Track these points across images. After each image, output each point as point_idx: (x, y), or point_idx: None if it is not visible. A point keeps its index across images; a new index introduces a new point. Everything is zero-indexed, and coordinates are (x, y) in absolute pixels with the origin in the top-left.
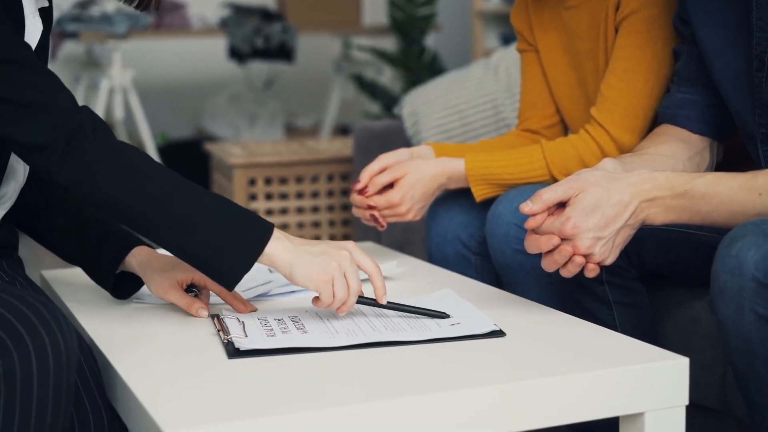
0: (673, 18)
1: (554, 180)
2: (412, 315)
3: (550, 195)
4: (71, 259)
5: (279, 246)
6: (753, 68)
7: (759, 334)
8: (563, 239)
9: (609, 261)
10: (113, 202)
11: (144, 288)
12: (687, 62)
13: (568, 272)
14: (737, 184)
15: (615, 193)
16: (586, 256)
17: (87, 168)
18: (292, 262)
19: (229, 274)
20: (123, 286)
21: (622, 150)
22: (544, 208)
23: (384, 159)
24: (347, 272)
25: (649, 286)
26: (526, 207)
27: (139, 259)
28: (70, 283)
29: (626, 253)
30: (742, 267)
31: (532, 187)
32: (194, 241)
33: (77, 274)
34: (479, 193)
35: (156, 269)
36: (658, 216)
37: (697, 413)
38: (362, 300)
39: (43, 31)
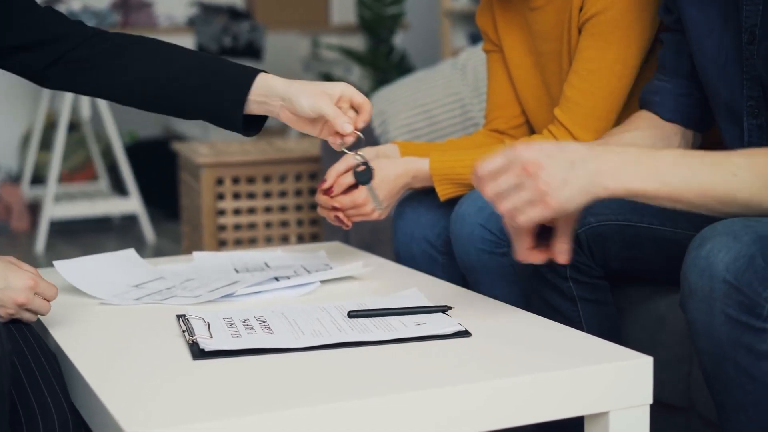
0: (659, 8)
1: None
2: (401, 315)
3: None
4: (189, 115)
5: None
6: (743, 42)
7: (729, 336)
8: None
9: (560, 202)
10: None
11: (110, 288)
12: (664, 51)
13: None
14: (711, 159)
15: (570, 144)
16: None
17: None
18: None
19: None
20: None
21: None
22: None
23: (350, 158)
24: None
25: (614, 284)
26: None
27: (278, 80)
28: None
29: (590, 250)
30: (712, 269)
31: None
32: None
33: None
34: (443, 193)
35: (303, 83)
36: (624, 177)
37: (662, 411)
38: (357, 313)
39: None
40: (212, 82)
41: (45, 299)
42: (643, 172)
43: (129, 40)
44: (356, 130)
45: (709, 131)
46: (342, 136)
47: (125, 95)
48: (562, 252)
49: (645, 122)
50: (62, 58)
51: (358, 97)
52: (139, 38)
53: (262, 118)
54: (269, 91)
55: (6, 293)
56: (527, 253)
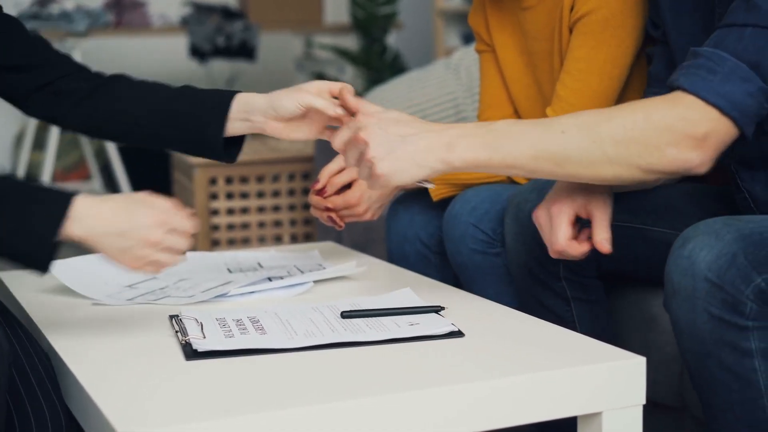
0: (647, 23)
1: (510, 180)
2: (394, 315)
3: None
4: (170, 143)
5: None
6: None
7: (712, 334)
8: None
9: (387, 172)
10: None
11: (103, 288)
12: (657, 63)
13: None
14: (540, 122)
15: (417, 119)
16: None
17: None
18: (100, 249)
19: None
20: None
21: None
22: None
23: (342, 159)
24: (162, 246)
25: (608, 284)
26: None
27: (257, 96)
28: (26, 285)
29: None
30: (694, 268)
31: (488, 187)
32: None
33: (34, 275)
34: (436, 193)
35: (280, 90)
36: (457, 149)
37: (654, 411)
38: (350, 313)
39: None
40: (190, 109)
41: (181, 235)
42: (475, 143)
43: (111, 79)
44: (348, 104)
45: None
46: (332, 130)
47: (107, 133)
48: (603, 241)
49: None
50: (51, 85)
51: (334, 86)
52: (121, 77)
53: (240, 143)
54: (250, 108)
55: (133, 234)
56: (567, 245)
